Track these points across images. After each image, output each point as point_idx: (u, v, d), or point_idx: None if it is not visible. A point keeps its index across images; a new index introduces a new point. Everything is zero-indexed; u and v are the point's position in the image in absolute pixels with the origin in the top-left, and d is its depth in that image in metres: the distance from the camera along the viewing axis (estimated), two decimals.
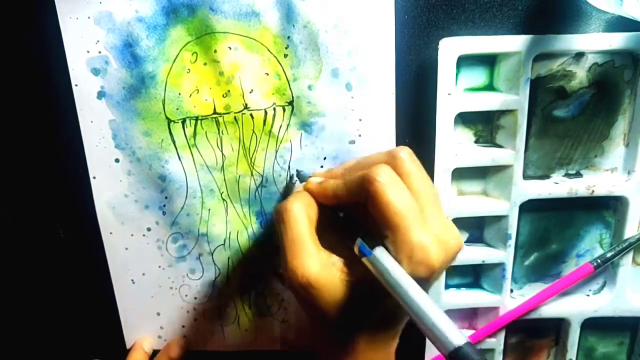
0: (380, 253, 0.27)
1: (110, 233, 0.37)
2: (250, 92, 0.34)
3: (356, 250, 0.28)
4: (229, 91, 0.34)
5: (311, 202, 0.31)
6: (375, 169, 0.27)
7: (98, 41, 0.33)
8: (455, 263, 0.37)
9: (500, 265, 0.37)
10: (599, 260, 0.36)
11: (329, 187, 0.31)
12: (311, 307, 0.28)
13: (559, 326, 0.40)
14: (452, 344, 0.23)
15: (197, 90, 0.34)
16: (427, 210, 0.28)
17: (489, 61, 0.35)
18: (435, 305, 0.24)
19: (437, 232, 0.27)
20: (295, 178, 0.36)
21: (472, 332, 0.39)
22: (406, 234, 0.26)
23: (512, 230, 0.36)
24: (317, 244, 0.29)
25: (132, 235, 0.37)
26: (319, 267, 0.28)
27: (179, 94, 0.34)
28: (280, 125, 0.35)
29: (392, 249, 0.27)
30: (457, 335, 0.23)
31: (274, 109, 0.35)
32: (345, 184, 0.30)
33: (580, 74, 0.34)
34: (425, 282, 0.26)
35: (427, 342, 0.39)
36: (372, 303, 0.28)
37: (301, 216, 0.29)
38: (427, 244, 0.26)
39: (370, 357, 0.29)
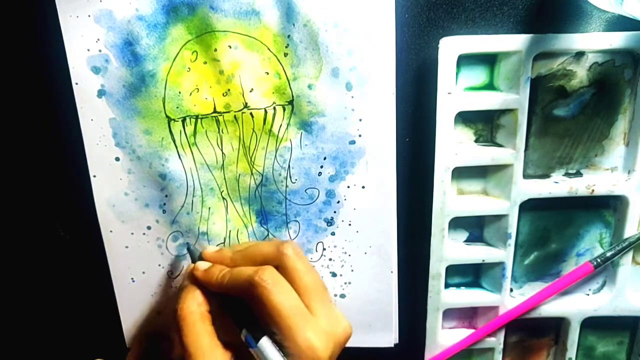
0: (265, 344, 0.28)
1: (110, 231, 0.37)
2: (251, 91, 0.34)
3: (243, 339, 0.30)
4: (229, 90, 0.34)
5: (202, 299, 0.32)
6: (260, 272, 0.29)
7: (98, 39, 0.33)
8: (456, 262, 0.37)
9: (500, 265, 0.37)
10: (598, 260, 0.36)
11: (214, 278, 0.31)
12: None
13: (558, 325, 0.40)
14: None
15: (197, 88, 0.34)
16: (313, 306, 0.29)
17: (489, 60, 0.35)
18: None
19: (325, 327, 0.29)
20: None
21: (471, 331, 0.39)
22: (293, 334, 0.28)
23: (512, 229, 0.36)
24: (216, 347, 0.30)
25: (132, 233, 0.37)
26: None
27: (179, 92, 0.34)
28: (280, 125, 0.35)
29: (281, 347, 0.28)
30: None
31: (274, 108, 0.35)
32: (231, 278, 0.31)
33: (581, 73, 0.34)
34: None
35: (427, 342, 0.39)
36: None
37: (198, 324, 0.30)
38: (314, 343, 0.28)
39: None
